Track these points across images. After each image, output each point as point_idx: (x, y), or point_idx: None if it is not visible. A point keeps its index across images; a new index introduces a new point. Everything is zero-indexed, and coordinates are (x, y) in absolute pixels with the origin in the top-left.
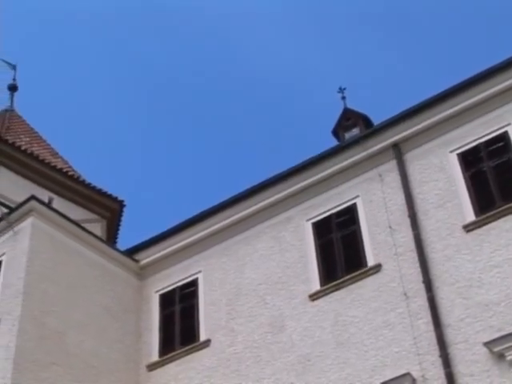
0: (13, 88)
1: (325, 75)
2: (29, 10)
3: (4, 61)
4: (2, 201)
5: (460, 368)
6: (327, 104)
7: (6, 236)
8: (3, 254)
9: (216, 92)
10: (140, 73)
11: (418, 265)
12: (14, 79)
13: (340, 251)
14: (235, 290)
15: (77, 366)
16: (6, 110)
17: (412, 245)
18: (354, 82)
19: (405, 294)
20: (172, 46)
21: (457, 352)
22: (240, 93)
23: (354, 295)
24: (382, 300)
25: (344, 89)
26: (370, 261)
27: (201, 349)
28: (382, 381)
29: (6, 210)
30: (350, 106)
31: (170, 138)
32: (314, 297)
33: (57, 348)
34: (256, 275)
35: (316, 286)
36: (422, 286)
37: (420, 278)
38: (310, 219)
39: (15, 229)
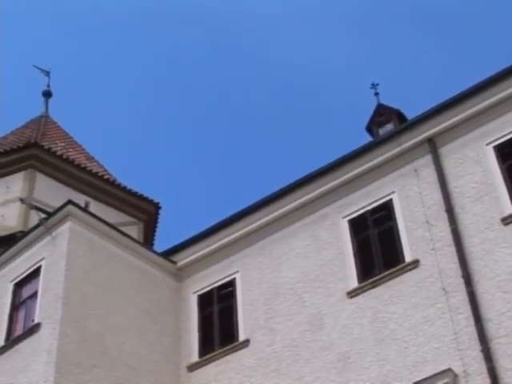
0: (47, 94)
1: (357, 72)
2: (61, 15)
3: (38, 67)
4: (40, 206)
5: (502, 362)
6: (360, 101)
7: (45, 241)
8: (42, 259)
9: (249, 92)
10: (173, 75)
11: (456, 259)
12: (48, 85)
13: (377, 248)
14: (273, 289)
15: (118, 368)
16: (41, 116)
17: (450, 239)
18: (386, 77)
19: (444, 289)
20: (203, 46)
21: (498, 346)
22: (273, 92)
23: (393, 291)
24: (420, 296)
25: (377, 84)
26: (408, 257)
27: (240, 349)
28: (423, 377)
29: (43, 216)
30: (383, 101)
31: (205, 139)
32: (352, 294)
33: (98, 351)
34: (293, 274)
35: (354, 283)
36: (461, 281)
37: (459, 272)
38: (346, 216)
39: (53, 234)
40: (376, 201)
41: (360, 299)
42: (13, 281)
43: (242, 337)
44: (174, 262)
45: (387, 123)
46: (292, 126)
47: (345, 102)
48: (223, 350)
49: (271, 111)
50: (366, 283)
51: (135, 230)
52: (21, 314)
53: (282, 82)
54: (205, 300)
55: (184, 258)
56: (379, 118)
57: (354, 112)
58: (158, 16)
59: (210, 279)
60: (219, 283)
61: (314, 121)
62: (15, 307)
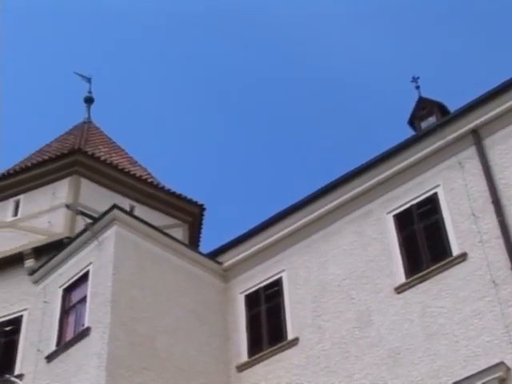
0: (89, 100)
1: (397, 66)
2: (101, 22)
3: (79, 74)
4: (86, 211)
5: None
6: (401, 95)
7: (92, 246)
8: (90, 264)
9: (290, 91)
10: (213, 76)
11: (504, 251)
12: (90, 92)
13: (423, 242)
14: (320, 286)
15: (168, 369)
16: (84, 122)
17: (497, 231)
18: (426, 70)
19: (493, 282)
20: (241, 48)
21: None
22: (313, 91)
23: (441, 286)
24: (469, 289)
25: (417, 78)
26: (455, 250)
27: (289, 347)
28: (475, 371)
29: (89, 221)
30: (425, 94)
31: (248, 139)
32: (400, 289)
33: (148, 353)
34: (340, 271)
35: (401, 278)
36: (510, 273)
37: (508, 264)
38: (391, 212)
39: (100, 238)
40: (421, 195)
41: (408, 294)
42: (62, 286)
43: (290, 335)
44: (220, 263)
45: (429, 116)
46: (334, 123)
47: (386, 98)
48: (272, 349)
49: (313, 110)
50: (413, 278)
51: (180, 232)
52: (71, 319)
53: (322, 81)
54: (252, 300)
55: (230, 259)
56: (421, 112)
57: (395, 107)
58: (196, 19)
59: (256, 279)
60: (266, 282)
61: (355, 117)
62: (65, 312)
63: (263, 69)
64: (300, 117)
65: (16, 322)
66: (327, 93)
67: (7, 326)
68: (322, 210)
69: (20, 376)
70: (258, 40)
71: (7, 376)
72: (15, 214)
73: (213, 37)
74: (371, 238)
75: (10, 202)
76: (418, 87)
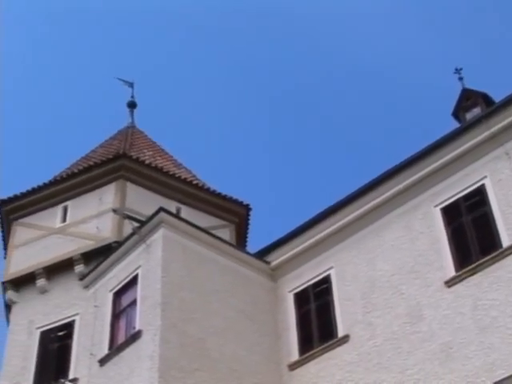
0: (132, 105)
1: (438, 58)
2: (143, 26)
3: (121, 79)
4: (132, 215)
5: None
6: (444, 87)
7: (140, 249)
8: (138, 267)
9: (333, 89)
10: (257, 76)
11: None
12: (133, 96)
13: (472, 235)
14: (369, 282)
15: (220, 370)
16: (128, 127)
17: None
18: (469, 61)
19: None
20: (288, 48)
21: None
22: (356, 87)
23: (492, 278)
24: None
25: (460, 69)
26: (505, 241)
27: (340, 345)
28: None
29: (136, 225)
30: (468, 86)
31: (292, 137)
32: (450, 283)
33: (199, 354)
34: (388, 266)
35: (451, 271)
36: None
37: None
38: (438, 205)
39: (147, 241)
40: (468, 187)
41: (459, 288)
42: (112, 290)
43: (341, 332)
44: (268, 262)
45: (474, 107)
46: (378, 118)
47: (429, 90)
48: (323, 347)
49: (357, 106)
50: (463, 271)
51: (227, 233)
52: (122, 322)
53: (364, 77)
54: (301, 298)
55: (277, 258)
56: (466, 103)
57: (439, 99)
58: (241, 20)
59: (304, 277)
60: (314, 280)
61: (399, 111)
62: (116, 316)
63: (306, 68)
64: (344, 113)
65: (68, 327)
66: (370, 88)
67: (60, 331)
68: (369, 205)
69: (74, 380)
70: (300, 39)
71: (62, 380)
72: (64, 220)
73: (255, 37)
74: (419, 232)
75: (59, 209)
76: (461, 78)
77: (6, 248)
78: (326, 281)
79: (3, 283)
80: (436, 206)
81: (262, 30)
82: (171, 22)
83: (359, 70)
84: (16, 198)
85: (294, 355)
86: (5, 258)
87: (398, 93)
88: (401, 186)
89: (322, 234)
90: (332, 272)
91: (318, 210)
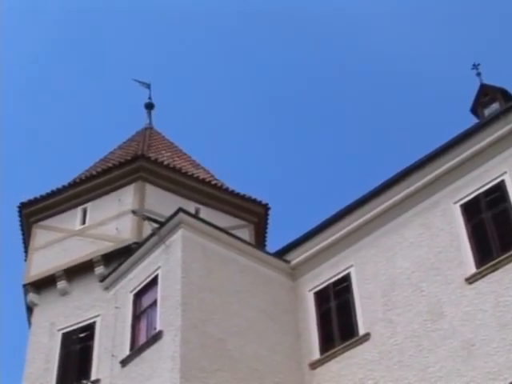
0: (149, 106)
1: (456, 54)
2: (159, 27)
3: (138, 81)
4: (152, 216)
5: None
6: (462, 83)
7: (159, 250)
8: (158, 268)
9: (351, 89)
10: (274, 76)
11: None
12: (150, 97)
13: (492, 231)
14: (389, 280)
15: (241, 370)
16: (146, 128)
17: None
18: (486, 57)
19: None
20: (301, 47)
21: None
22: (372, 84)
23: None
24: None
25: (478, 65)
26: None
27: (361, 343)
28: None
29: (156, 225)
30: (486, 81)
31: (308, 136)
32: (471, 280)
33: (220, 354)
34: (408, 264)
35: (471, 268)
36: None
37: None
38: (458, 201)
39: (167, 242)
40: (488, 183)
41: (480, 284)
42: (132, 291)
43: (361, 331)
44: (288, 261)
45: (492, 103)
46: (396, 115)
47: (446, 86)
48: (344, 345)
49: (374, 103)
50: (484, 268)
51: (246, 233)
52: (142, 323)
53: (381, 74)
54: (321, 297)
55: (297, 257)
56: (484, 99)
57: (457, 95)
58: (253, 21)
59: (324, 276)
60: (334, 279)
61: (417, 108)
62: (136, 317)
63: (322, 67)
64: (363, 111)
65: (90, 329)
66: (388, 86)
67: (82, 333)
68: (388, 203)
69: (96, 381)
70: (313, 38)
71: (84, 382)
72: (83, 222)
73: (270, 36)
74: (439, 229)
75: (78, 211)
76: (478, 74)
77: (26, 251)
78: (346, 279)
79: (24, 286)
80: (455, 202)
81: (276, 29)
82: (187, 22)
83: (377, 69)
84: (36, 200)
85: (315, 354)
86: (25, 260)
87: (415, 90)
88: (420, 184)
89: (341, 233)
90: (352, 270)
91: (337, 209)
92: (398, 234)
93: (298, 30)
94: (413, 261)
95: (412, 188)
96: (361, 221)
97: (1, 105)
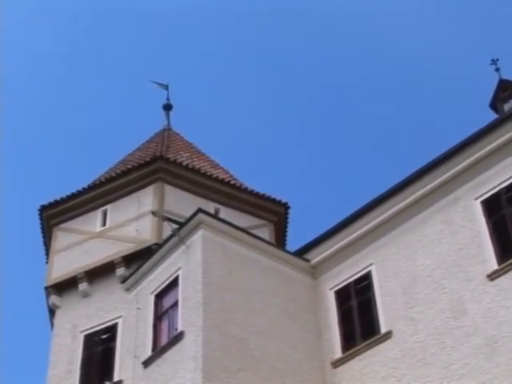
0: (167, 107)
1: (474, 50)
2: (176, 27)
3: (156, 82)
4: (171, 217)
5: None
6: (481, 78)
7: (180, 251)
8: (179, 269)
9: (370, 86)
10: (294, 75)
11: None
12: (168, 99)
13: None
14: (410, 278)
15: (263, 369)
16: (164, 129)
17: None
18: (505, 52)
19: None
20: (323, 47)
21: None
22: (393, 83)
23: None
24: None
25: (497, 60)
26: None
27: (383, 341)
28: None
29: (176, 226)
30: (505, 76)
31: (327, 134)
32: (493, 276)
33: (242, 354)
34: (429, 261)
35: (493, 265)
36: None
37: None
38: (479, 197)
39: (187, 243)
40: (509, 178)
41: (502, 281)
42: (153, 292)
43: (383, 329)
44: (308, 260)
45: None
46: (415, 112)
47: (465, 82)
48: (366, 343)
49: (394, 101)
50: (506, 264)
51: (266, 232)
52: (164, 324)
53: (399, 71)
54: (342, 295)
55: (317, 255)
56: (503, 94)
57: (475, 91)
58: (272, 20)
59: (345, 274)
60: (355, 277)
61: (436, 104)
62: (158, 317)
63: (342, 67)
64: (381, 108)
65: (112, 330)
66: (407, 82)
67: (104, 334)
68: (408, 200)
69: (119, 382)
70: (334, 38)
71: (107, 383)
72: (103, 223)
73: (291, 37)
74: (460, 225)
75: (98, 213)
76: (497, 69)
77: (47, 253)
78: (367, 277)
79: (46, 288)
80: (476, 198)
81: (294, 28)
82: (205, 23)
83: (395, 65)
84: (56, 203)
85: (337, 353)
86: (47, 263)
87: (434, 87)
88: (440, 180)
89: (361, 231)
90: (372, 268)
91: (357, 207)
92: (418, 232)
93: (317, 28)
94: (434, 258)
95: (432, 185)
96: (381, 219)
97: (22, 107)
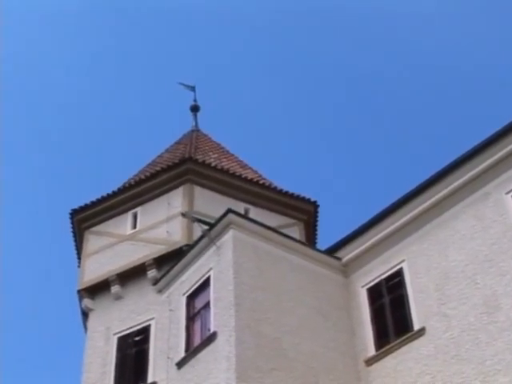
0: (195, 108)
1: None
2: (201, 30)
3: (183, 84)
4: (201, 218)
5: None
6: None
7: (210, 252)
8: (210, 270)
9: (404, 85)
10: (319, 74)
11: None
12: (195, 100)
13: None
14: (442, 274)
15: (296, 368)
16: (192, 131)
17: None
18: None
19: None
20: (346, 46)
21: None
22: (425, 79)
23: None
24: None
25: None
26: None
27: (416, 338)
28: None
29: (206, 227)
30: None
31: (357, 131)
32: None
33: (275, 354)
34: (461, 256)
35: None
36: None
37: None
38: (510, 192)
39: (218, 243)
40: None
41: None
42: (185, 294)
43: (416, 326)
44: (339, 258)
45: None
46: (446, 109)
47: (498, 74)
48: (399, 340)
49: (427, 96)
50: None
51: (296, 231)
52: (196, 325)
53: (437, 72)
54: (374, 293)
55: (348, 253)
56: None
57: (506, 84)
58: (299, 18)
59: (376, 271)
60: (386, 274)
61: (469, 100)
62: (190, 318)
63: (369, 67)
64: (410, 104)
65: (145, 332)
66: (440, 81)
67: (137, 336)
68: (438, 196)
69: None
70: (363, 38)
71: None
72: (134, 226)
73: (319, 35)
74: (491, 220)
75: (129, 215)
76: None
77: (79, 257)
78: (399, 274)
79: (79, 291)
80: (507, 193)
81: (321, 27)
82: (231, 23)
83: (433, 64)
84: (87, 206)
85: (371, 350)
86: (79, 266)
87: (463, 81)
88: (470, 175)
89: (391, 228)
90: (404, 265)
91: (387, 204)
92: (449, 227)
93: (347, 27)
94: (466, 253)
95: (462, 180)
96: (411, 215)
97: (51, 111)
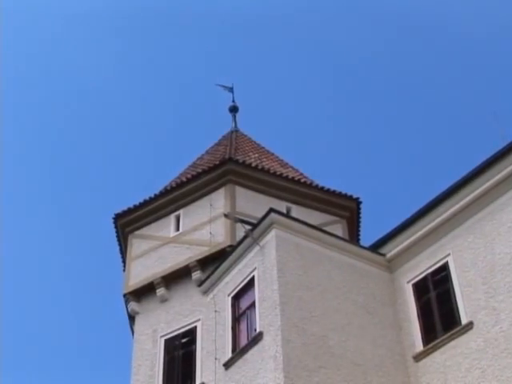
0: (233, 109)
1: None
2: (238, 30)
3: (221, 85)
4: (244, 218)
5: None
6: None
7: (254, 252)
8: (254, 270)
9: (441, 76)
10: (357, 74)
11: None
12: (233, 101)
13: None
14: (489, 267)
15: (344, 366)
16: (232, 131)
17: None
18: None
19: None
20: (388, 44)
21: None
22: (459, 69)
23: None
24: None
25: None
26: None
27: (464, 332)
28: None
29: (248, 227)
30: None
31: (396, 123)
32: None
33: (322, 352)
34: (508, 249)
35: None
36: None
37: None
38: None
39: (261, 243)
40: None
41: None
42: (230, 294)
43: (464, 320)
44: (383, 255)
45: None
46: (488, 102)
47: None
48: (447, 335)
49: (467, 88)
50: None
51: (339, 228)
52: (242, 325)
53: (467, 57)
54: (420, 288)
55: (392, 249)
56: None
57: None
58: (336, 19)
59: (421, 266)
60: (432, 269)
61: (504, 89)
62: (236, 319)
63: (409, 64)
64: (454, 94)
65: (191, 333)
66: (475, 67)
67: (183, 338)
68: (482, 188)
69: None
70: (403, 35)
71: None
72: (177, 228)
73: (349, 35)
74: None
75: (171, 218)
76: None
77: (124, 261)
78: (444, 268)
79: (125, 295)
80: None
81: (362, 26)
82: (269, 23)
83: (460, 50)
84: (130, 210)
85: (419, 346)
86: (124, 270)
87: (504, 68)
88: None
89: (435, 222)
90: (449, 259)
91: (430, 198)
92: (495, 219)
93: (387, 26)
94: None
95: (506, 171)
96: (455, 208)
97: (91, 119)
